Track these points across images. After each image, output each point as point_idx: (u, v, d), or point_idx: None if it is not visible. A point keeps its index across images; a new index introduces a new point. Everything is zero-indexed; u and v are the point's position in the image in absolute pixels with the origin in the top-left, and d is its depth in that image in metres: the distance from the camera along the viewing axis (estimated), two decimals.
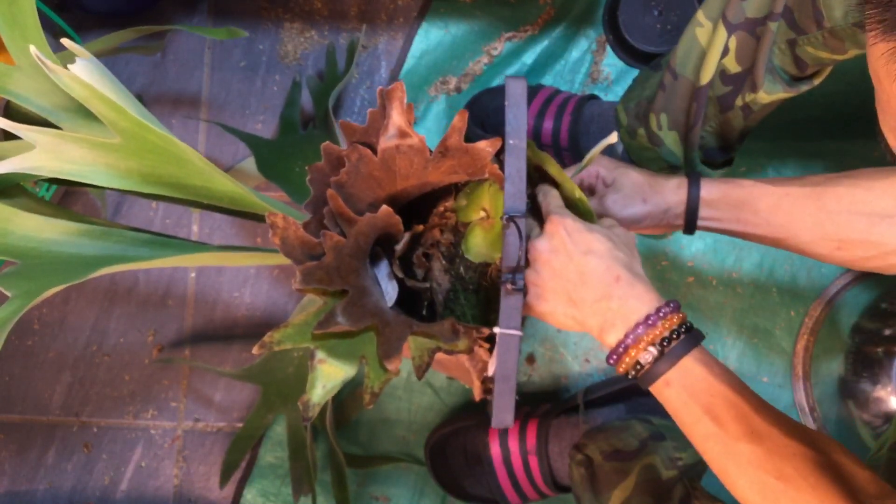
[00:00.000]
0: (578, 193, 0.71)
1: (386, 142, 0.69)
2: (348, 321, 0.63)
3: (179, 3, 1.15)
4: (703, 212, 0.78)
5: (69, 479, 1.12)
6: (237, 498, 1.11)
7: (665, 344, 0.62)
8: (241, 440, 1.07)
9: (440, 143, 0.69)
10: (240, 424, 1.11)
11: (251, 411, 1.07)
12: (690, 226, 0.79)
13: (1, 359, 1.13)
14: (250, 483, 1.10)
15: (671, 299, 0.64)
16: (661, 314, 0.63)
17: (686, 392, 0.62)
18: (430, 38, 1.15)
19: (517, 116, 0.69)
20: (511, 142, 0.68)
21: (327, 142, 0.71)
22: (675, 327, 0.63)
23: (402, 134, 0.69)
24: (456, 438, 1.03)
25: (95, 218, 0.75)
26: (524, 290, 0.67)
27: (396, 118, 0.69)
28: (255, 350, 0.63)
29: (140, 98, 1.14)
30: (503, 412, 0.66)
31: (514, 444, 0.99)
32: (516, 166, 0.68)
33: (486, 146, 0.70)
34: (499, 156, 0.71)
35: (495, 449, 1.00)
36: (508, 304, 0.66)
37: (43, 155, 0.61)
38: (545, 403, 1.05)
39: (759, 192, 0.76)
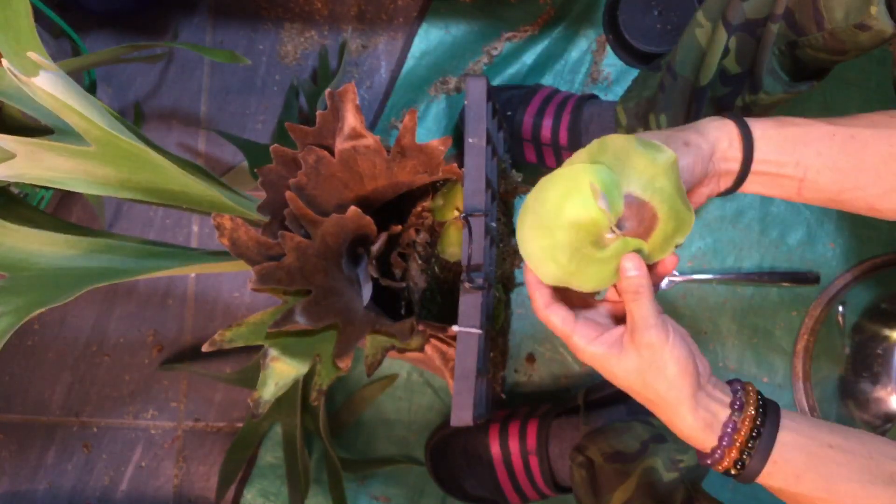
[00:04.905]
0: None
1: (342, 143, 0.69)
2: (308, 320, 0.64)
3: (180, 3, 1.15)
4: (758, 152, 0.63)
5: (69, 479, 1.12)
6: (237, 498, 1.11)
7: (749, 449, 0.57)
8: (237, 448, 1.07)
9: (395, 143, 0.70)
10: (240, 424, 1.11)
11: (246, 417, 1.07)
12: (745, 168, 0.63)
13: (1, 359, 1.13)
14: (250, 483, 1.10)
15: (732, 404, 0.57)
16: (724, 442, 0.57)
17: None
18: (430, 38, 1.14)
19: (477, 115, 0.69)
20: (470, 140, 0.69)
21: (276, 144, 0.71)
22: (748, 437, 0.57)
23: (357, 135, 0.69)
24: (456, 439, 1.03)
25: (88, 227, 0.75)
26: (483, 288, 0.66)
27: (351, 119, 0.69)
28: (204, 348, 0.64)
29: (138, 102, 1.14)
30: (462, 410, 0.66)
31: (514, 445, 0.99)
32: (475, 164, 0.68)
33: (437, 144, 0.70)
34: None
35: (495, 449, 1.00)
36: (467, 302, 0.66)
37: (24, 163, 0.62)
38: (545, 404, 1.04)
39: (819, 131, 0.63)
